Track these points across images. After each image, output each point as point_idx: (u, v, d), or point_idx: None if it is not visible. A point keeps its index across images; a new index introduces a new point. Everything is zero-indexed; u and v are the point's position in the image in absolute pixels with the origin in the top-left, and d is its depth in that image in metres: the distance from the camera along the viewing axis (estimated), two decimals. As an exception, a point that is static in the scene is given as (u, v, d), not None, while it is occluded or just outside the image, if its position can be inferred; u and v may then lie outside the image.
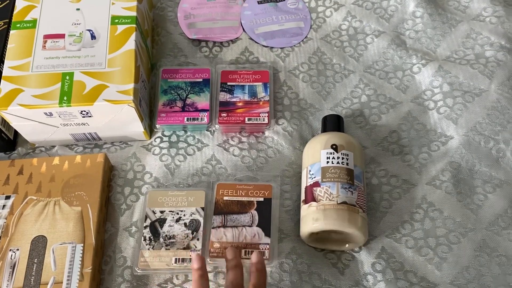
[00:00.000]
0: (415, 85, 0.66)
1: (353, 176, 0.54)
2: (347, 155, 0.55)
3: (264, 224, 0.55)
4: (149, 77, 0.68)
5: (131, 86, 0.57)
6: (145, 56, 0.66)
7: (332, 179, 0.53)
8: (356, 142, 0.57)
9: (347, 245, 0.55)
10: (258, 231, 0.55)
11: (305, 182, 0.56)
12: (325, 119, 0.62)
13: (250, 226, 0.55)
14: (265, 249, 0.54)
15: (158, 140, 0.64)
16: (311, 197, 0.54)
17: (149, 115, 0.65)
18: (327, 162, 0.55)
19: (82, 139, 0.64)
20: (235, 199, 0.57)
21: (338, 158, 0.54)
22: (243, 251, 0.54)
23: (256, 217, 0.56)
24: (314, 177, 0.54)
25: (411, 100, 0.65)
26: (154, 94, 0.67)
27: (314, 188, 0.54)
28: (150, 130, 0.65)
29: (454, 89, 0.64)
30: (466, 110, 0.62)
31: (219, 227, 0.56)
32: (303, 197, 0.55)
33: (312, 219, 0.52)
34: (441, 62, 0.66)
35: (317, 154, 0.56)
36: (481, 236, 0.55)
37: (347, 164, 0.54)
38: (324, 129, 0.61)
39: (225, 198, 0.57)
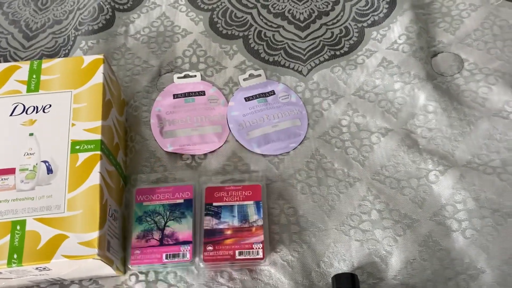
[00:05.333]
0: (433, 198, 0.56)
1: None
2: None
3: None
4: (121, 201, 0.58)
5: (95, 234, 0.47)
6: (116, 179, 0.56)
7: None
8: None
9: None
10: None
11: None
12: (337, 282, 0.50)
13: None
14: None
15: (133, 278, 0.54)
16: None
17: (123, 245, 0.55)
18: None
19: (43, 282, 0.54)
20: None
21: None
22: None
23: None
24: None
25: (430, 218, 0.55)
26: (128, 215, 0.57)
27: None
28: (125, 263, 0.55)
29: (481, 206, 0.54)
30: (498, 235, 0.52)
31: None
32: None
33: None
34: (462, 170, 0.57)
35: None
36: None
37: None
38: None
39: None
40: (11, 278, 0.50)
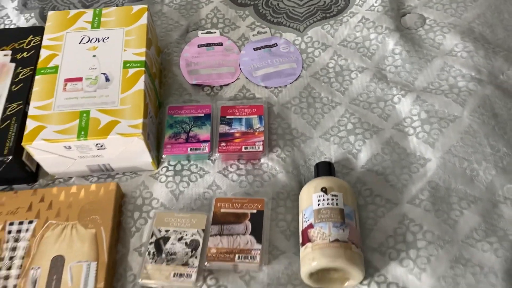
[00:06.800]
0: (396, 114, 0.73)
1: (343, 215, 0.58)
2: (336, 196, 0.59)
3: (257, 233, 0.62)
4: (157, 114, 0.76)
5: (140, 121, 0.65)
6: (153, 95, 0.74)
7: (324, 220, 0.58)
8: (345, 184, 0.62)
9: (347, 283, 0.58)
10: (251, 239, 0.61)
11: (301, 225, 0.60)
12: (317, 166, 0.67)
13: (244, 234, 0.62)
14: (256, 254, 0.60)
15: (164, 169, 0.71)
16: (306, 239, 0.58)
17: (156, 147, 0.73)
18: (318, 204, 0.59)
19: (96, 170, 0.71)
20: (231, 211, 0.64)
21: (328, 199, 0.59)
22: (236, 255, 0.60)
23: (250, 227, 0.62)
24: (308, 220, 0.59)
25: (392, 127, 0.72)
26: (162, 129, 0.75)
27: (309, 230, 0.58)
28: (158, 161, 0.72)
29: (431, 116, 0.70)
30: (441, 135, 0.68)
31: (216, 235, 0.62)
32: (300, 240, 0.60)
33: (308, 260, 0.56)
34: (419, 93, 0.74)
35: (310, 199, 0.61)
36: (457, 248, 0.60)
37: (336, 204, 0.59)
38: (317, 175, 0.66)
39: (222, 210, 0.64)
40: (75, 159, 0.68)
